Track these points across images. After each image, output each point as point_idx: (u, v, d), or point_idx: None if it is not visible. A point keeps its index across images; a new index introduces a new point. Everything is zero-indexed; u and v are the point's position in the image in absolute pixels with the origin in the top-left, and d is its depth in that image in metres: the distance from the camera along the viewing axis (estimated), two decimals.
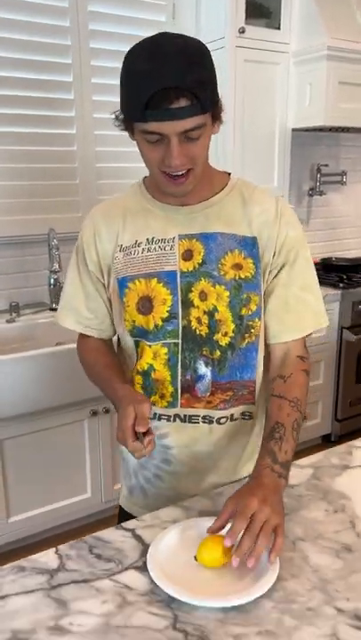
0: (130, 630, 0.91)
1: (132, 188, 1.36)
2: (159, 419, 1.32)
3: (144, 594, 0.98)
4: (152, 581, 1.00)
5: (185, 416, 1.31)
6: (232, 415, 1.34)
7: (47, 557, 1.07)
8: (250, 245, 1.27)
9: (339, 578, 1.01)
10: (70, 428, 2.53)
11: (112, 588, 0.99)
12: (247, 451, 1.39)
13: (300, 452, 1.30)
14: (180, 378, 1.29)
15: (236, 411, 1.34)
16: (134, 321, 1.29)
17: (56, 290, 2.82)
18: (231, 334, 1.28)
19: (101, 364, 1.34)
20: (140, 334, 1.30)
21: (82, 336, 1.43)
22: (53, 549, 1.09)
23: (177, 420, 1.32)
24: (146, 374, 1.31)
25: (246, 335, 1.29)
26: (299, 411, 1.24)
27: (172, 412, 1.31)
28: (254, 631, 0.90)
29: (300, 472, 1.36)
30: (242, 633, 0.90)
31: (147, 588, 0.99)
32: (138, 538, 1.13)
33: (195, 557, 1.04)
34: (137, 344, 1.33)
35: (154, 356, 1.29)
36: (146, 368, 1.30)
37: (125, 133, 1.20)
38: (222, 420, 1.33)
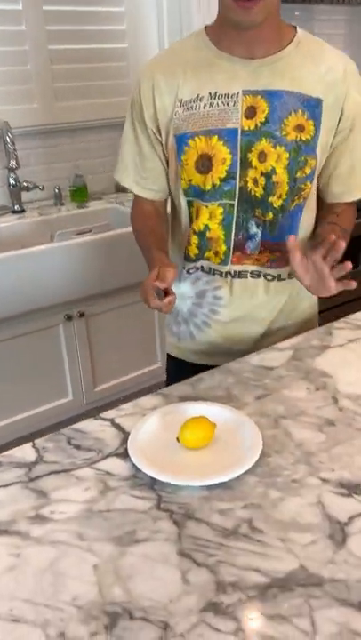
0: (113, 514, 0.89)
1: (192, 40, 1.28)
2: (213, 273, 1.39)
3: (126, 478, 0.96)
4: (134, 466, 0.98)
5: (235, 272, 1.37)
6: (279, 275, 1.39)
7: (24, 452, 1.04)
8: (313, 106, 1.23)
9: (322, 450, 1.00)
10: (45, 334, 2.47)
11: (93, 475, 0.97)
12: (288, 306, 1.46)
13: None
14: (233, 237, 1.32)
15: (283, 272, 1.39)
16: (191, 180, 1.28)
17: (17, 190, 2.65)
18: (284, 197, 1.28)
19: (148, 230, 1.38)
20: (195, 194, 1.30)
21: (136, 201, 1.44)
22: (30, 444, 1.06)
23: (228, 276, 1.38)
24: (201, 234, 1.33)
25: (296, 198, 1.30)
26: (345, 239, 1.23)
27: (224, 268, 1.37)
28: (240, 505, 0.89)
29: (280, 354, 1.33)
30: (227, 508, 0.89)
31: (129, 473, 0.97)
32: (117, 426, 1.10)
33: (177, 439, 1.01)
34: (190, 204, 1.33)
35: (210, 217, 1.30)
36: (202, 228, 1.32)
37: None
38: (269, 277, 1.39)
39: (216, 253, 1.35)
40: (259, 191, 1.26)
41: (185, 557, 0.80)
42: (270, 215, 1.29)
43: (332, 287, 1.21)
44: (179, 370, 1.49)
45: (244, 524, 0.86)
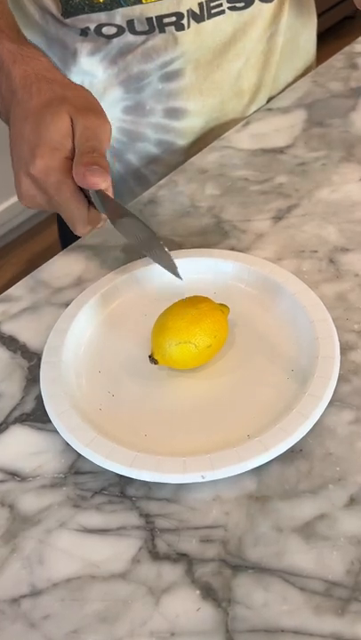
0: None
1: None
2: (151, 27, 0.67)
3: (57, 481, 0.43)
4: (68, 448, 0.44)
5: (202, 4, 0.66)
6: None
7: None
8: None
9: None
10: None
11: None
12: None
13: None
14: None
15: None
16: None
17: None
18: None
19: None
20: None
21: None
22: None
23: (184, 20, 0.67)
24: None
25: None
26: None
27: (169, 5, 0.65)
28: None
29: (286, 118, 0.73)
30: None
31: (60, 466, 0.44)
32: (9, 345, 0.53)
33: (150, 357, 0.47)
34: None
35: None
36: None
37: None
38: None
39: None
40: None
41: None
42: None
43: None
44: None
45: None
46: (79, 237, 0.60)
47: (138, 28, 0.66)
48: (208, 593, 0.37)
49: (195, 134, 0.76)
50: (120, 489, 0.42)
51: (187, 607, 0.37)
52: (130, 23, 0.66)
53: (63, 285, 0.58)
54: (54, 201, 0.48)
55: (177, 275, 0.48)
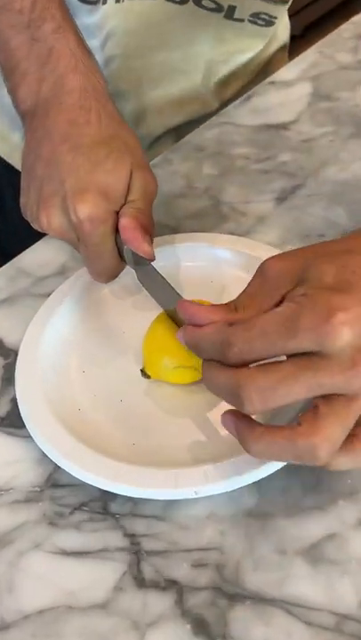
0: None
1: None
2: None
3: (32, 495, 0.39)
4: (45, 458, 0.39)
5: None
6: None
7: None
8: None
9: None
10: None
11: None
12: None
13: None
14: None
15: None
16: None
17: None
18: None
19: None
20: None
21: None
22: None
23: None
24: None
25: None
26: None
27: None
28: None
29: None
30: None
31: (34, 478, 0.39)
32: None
33: (141, 370, 0.42)
34: None
35: None
36: None
37: None
38: None
39: None
40: None
41: None
42: None
43: None
44: None
45: None
46: None
47: None
48: (200, 627, 0.33)
49: None
50: (102, 505, 0.38)
51: None
52: None
53: (46, 274, 0.53)
54: (88, 249, 0.42)
55: None
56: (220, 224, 0.55)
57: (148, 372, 0.42)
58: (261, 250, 0.48)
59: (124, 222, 0.41)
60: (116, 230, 0.42)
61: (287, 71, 0.72)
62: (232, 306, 0.34)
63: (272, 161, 0.61)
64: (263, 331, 0.30)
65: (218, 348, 0.31)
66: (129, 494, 0.36)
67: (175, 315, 0.41)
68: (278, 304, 0.32)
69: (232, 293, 0.45)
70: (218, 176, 0.60)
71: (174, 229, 0.55)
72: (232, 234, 0.53)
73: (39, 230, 0.44)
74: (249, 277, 0.48)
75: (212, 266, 0.49)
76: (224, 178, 0.60)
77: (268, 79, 0.72)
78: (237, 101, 0.69)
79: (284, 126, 0.65)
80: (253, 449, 0.31)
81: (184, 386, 0.42)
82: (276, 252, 0.48)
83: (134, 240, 0.41)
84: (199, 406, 0.41)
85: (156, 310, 0.43)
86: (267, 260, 0.34)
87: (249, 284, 0.34)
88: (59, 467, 0.38)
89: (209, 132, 0.65)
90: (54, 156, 0.43)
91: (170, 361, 0.40)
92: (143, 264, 0.42)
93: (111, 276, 0.45)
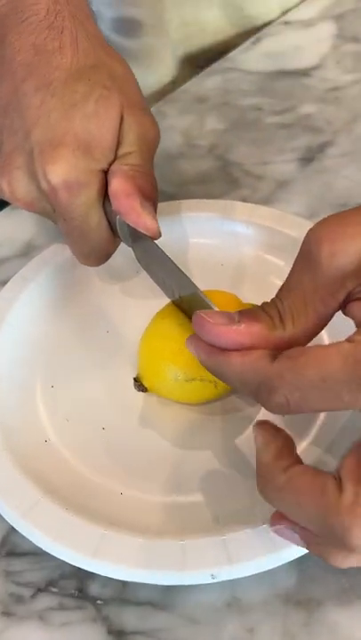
0: None
1: None
2: None
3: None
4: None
5: None
6: None
7: None
8: None
9: None
10: None
11: None
12: None
13: None
14: None
15: None
16: None
17: None
18: None
19: None
20: None
21: None
22: None
23: None
24: None
25: None
26: None
27: None
28: None
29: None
30: None
31: None
32: None
33: (135, 380, 0.30)
34: None
35: None
36: None
37: None
38: None
39: None
40: None
41: None
42: None
43: None
44: None
45: None
46: None
47: None
48: None
49: None
50: (77, 584, 0.26)
51: None
52: None
53: (5, 255, 0.41)
54: (68, 224, 0.30)
55: None
56: (230, 190, 0.43)
57: (145, 384, 0.30)
58: (288, 222, 0.37)
59: (116, 186, 0.29)
60: (106, 196, 0.30)
61: (304, 9, 0.60)
62: (274, 313, 0.22)
63: (292, 113, 0.49)
64: (323, 377, 0.19)
65: (253, 389, 0.20)
66: (115, 576, 0.25)
67: (185, 306, 0.30)
68: (341, 306, 0.21)
69: (250, 279, 0.34)
70: (225, 131, 0.48)
71: (172, 197, 0.43)
72: (246, 202, 0.41)
73: (18, 205, 0.32)
74: (271, 259, 0.37)
75: (221, 244, 0.38)
76: (233, 133, 0.48)
77: (282, 18, 0.59)
78: (245, 43, 0.56)
79: (304, 72, 0.53)
80: None
81: (196, 406, 0.31)
82: (307, 225, 0.37)
83: (131, 211, 0.29)
84: (218, 436, 0.30)
85: (158, 299, 0.32)
86: (316, 236, 0.22)
87: (293, 276, 0.23)
88: (15, 529, 0.27)
89: (211, 80, 0.53)
90: (15, 98, 0.31)
91: (177, 370, 0.29)
92: (143, 239, 0.30)
93: (102, 257, 0.33)
